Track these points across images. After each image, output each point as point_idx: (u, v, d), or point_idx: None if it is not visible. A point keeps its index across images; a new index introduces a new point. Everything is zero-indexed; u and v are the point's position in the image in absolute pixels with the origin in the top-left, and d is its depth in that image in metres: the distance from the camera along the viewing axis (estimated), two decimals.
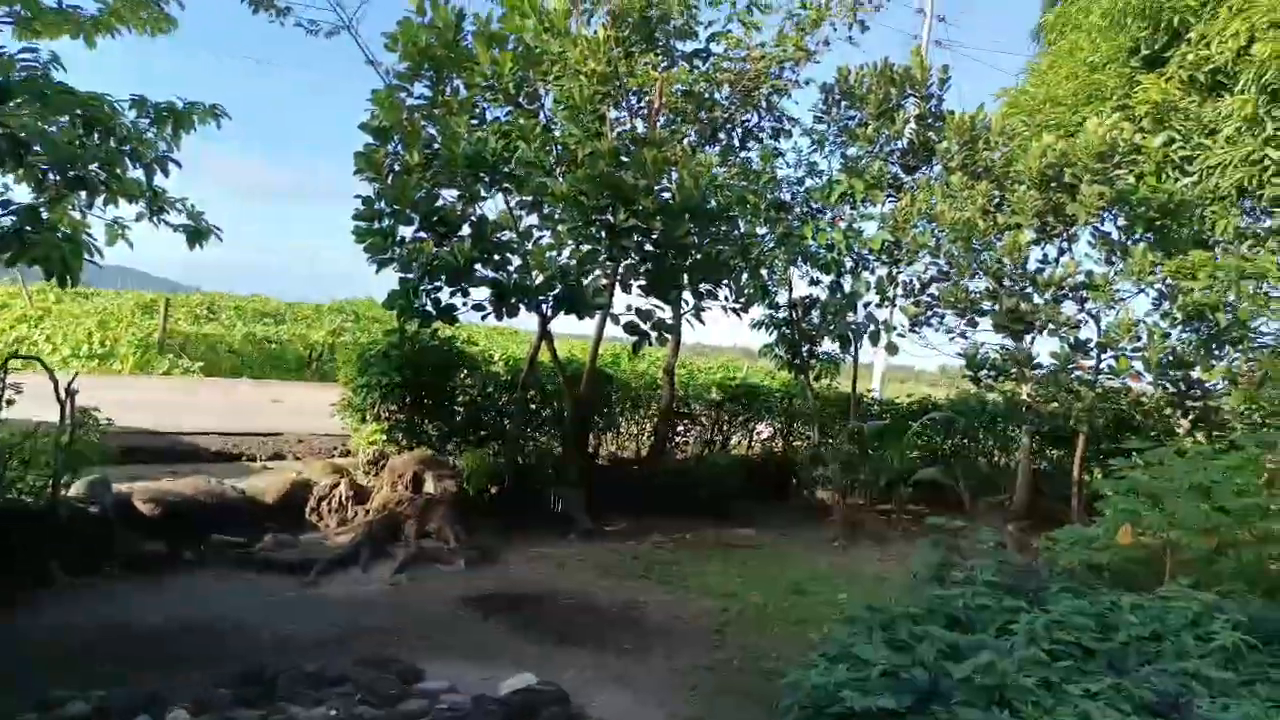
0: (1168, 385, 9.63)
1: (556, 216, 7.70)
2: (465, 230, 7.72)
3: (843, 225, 10.57)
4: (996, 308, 9.88)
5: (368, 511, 8.25)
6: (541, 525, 9.41)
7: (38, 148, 5.36)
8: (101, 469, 6.92)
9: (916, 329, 11.65)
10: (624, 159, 7.74)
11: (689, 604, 7.20)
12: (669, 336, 8.13)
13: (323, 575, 6.99)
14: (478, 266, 7.57)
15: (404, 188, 7.40)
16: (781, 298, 11.81)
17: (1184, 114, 11.53)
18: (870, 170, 10.83)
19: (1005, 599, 6.16)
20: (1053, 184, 10.18)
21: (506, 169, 7.91)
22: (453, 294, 7.76)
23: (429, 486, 8.40)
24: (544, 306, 7.94)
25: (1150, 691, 4.10)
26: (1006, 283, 10.15)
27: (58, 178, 5.68)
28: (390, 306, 7.68)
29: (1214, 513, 7.42)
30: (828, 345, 12.56)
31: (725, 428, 13.44)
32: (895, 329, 11.31)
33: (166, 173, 5.93)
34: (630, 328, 8.10)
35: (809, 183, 11.77)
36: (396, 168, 7.96)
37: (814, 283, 11.49)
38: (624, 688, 5.28)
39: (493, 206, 8.65)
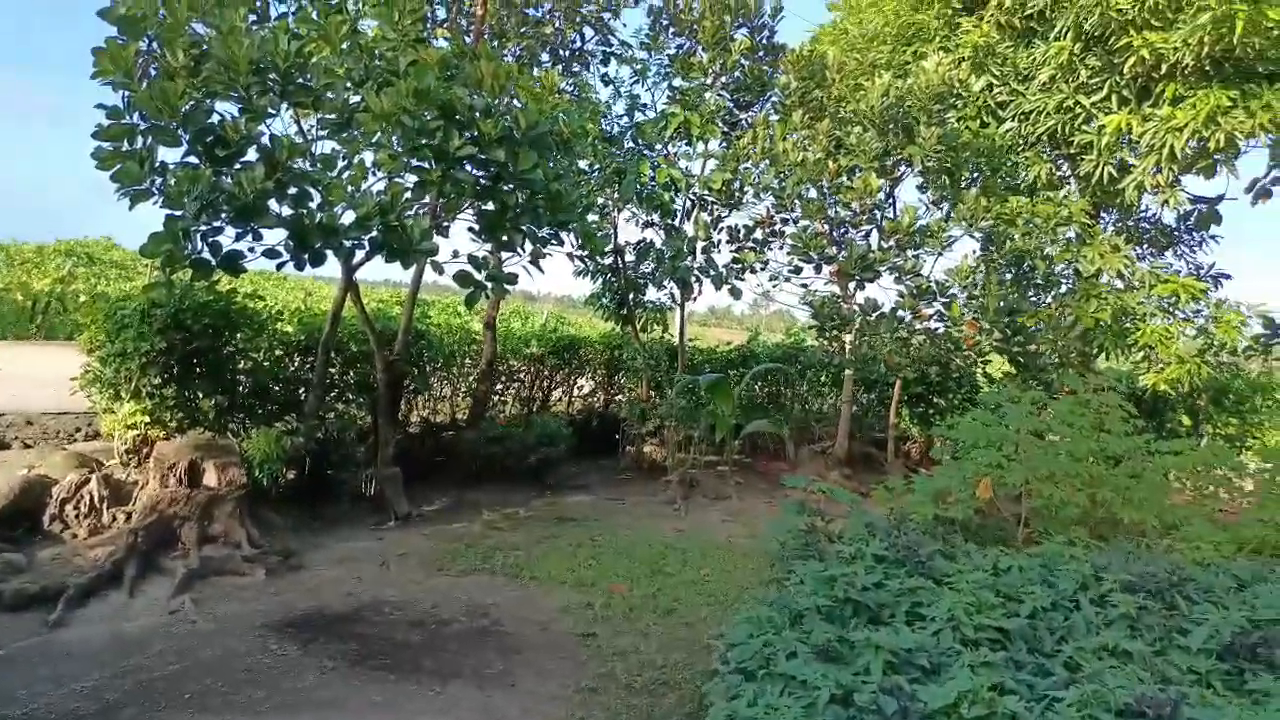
0: (998, 331, 9.65)
1: (374, 141, 6.23)
2: (251, 155, 6.08)
3: (683, 164, 9.71)
4: (845, 254, 9.44)
5: (130, 515, 6.54)
6: (351, 513, 8.06)
7: None
8: None
9: (742, 276, 11.14)
10: (452, 73, 6.38)
11: (544, 601, 6.22)
12: (508, 288, 6.93)
13: (73, 608, 5.34)
14: (271, 202, 5.99)
15: (166, 96, 5.65)
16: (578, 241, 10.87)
17: (1001, 58, 11.58)
18: (706, 104, 10.01)
19: (903, 576, 5.66)
20: (890, 125, 9.84)
21: (302, 79, 6.32)
22: (239, 237, 6.13)
23: (210, 478, 6.79)
24: (357, 252, 6.49)
25: (1126, 694, 3.68)
26: (851, 229, 9.76)
27: None
28: (151, 253, 5.93)
29: (1074, 461, 7.38)
30: (653, 294, 11.85)
31: (546, 384, 12.45)
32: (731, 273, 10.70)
33: None
34: (463, 278, 6.82)
35: (637, 116, 10.79)
36: (153, 72, 6.15)
37: (648, 225, 10.61)
38: None
39: (281, 127, 7.01)
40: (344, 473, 8.07)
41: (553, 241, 7.27)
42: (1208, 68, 9.67)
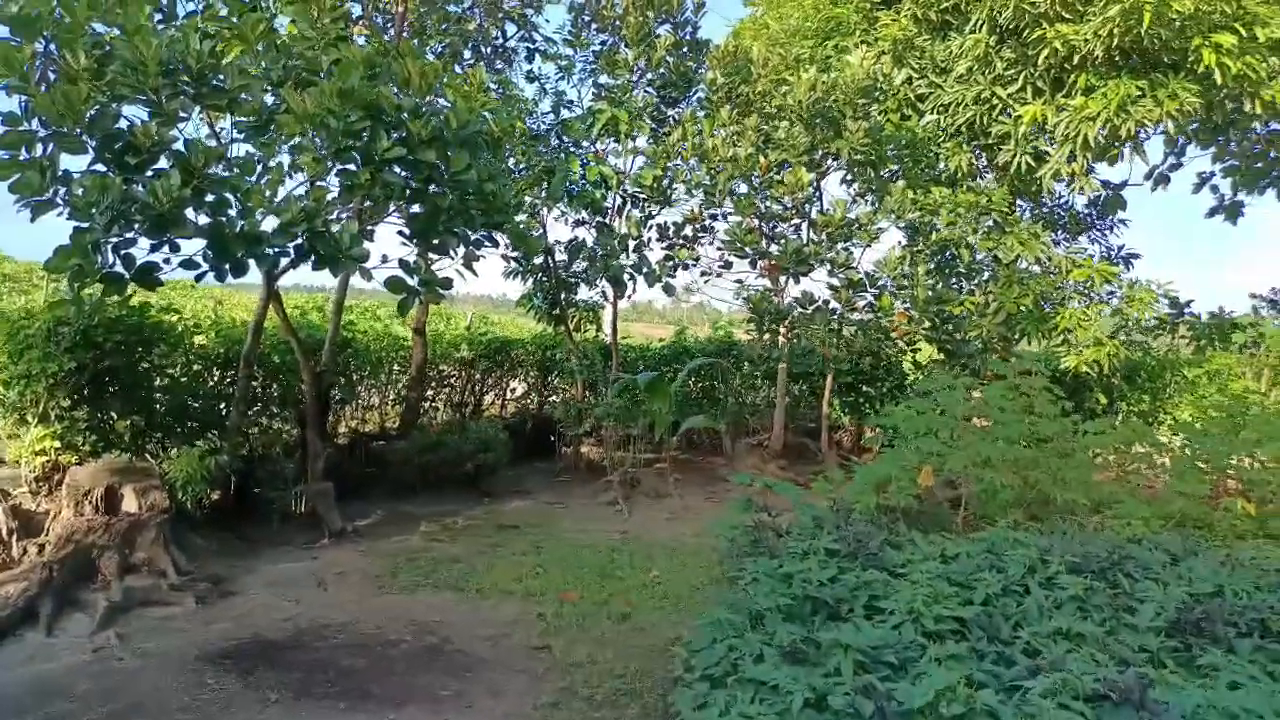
0: (928, 320, 9.82)
1: (295, 143, 5.93)
2: (164, 162, 5.72)
3: (613, 161, 9.60)
4: (780, 249, 9.46)
5: (42, 548, 6.11)
6: (282, 533, 7.73)
7: None
8: None
9: (674, 274, 11.11)
10: (377, 72, 6.12)
11: (493, 614, 6.05)
12: (442, 292, 6.70)
13: None
14: (189, 211, 5.64)
15: (69, 100, 5.26)
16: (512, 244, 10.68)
17: (920, 51, 11.78)
18: (633, 100, 9.91)
19: (857, 569, 5.68)
20: (818, 119, 9.90)
21: (215, 80, 5.98)
22: (154, 248, 5.76)
23: (129, 503, 6.40)
24: (282, 260, 6.18)
25: (1092, 680, 3.71)
26: (781, 224, 9.79)
27: None
28: (58, 269, 5.52)
29: (1009, 445, 7.54)
30: (585, 293, 11.74)
31: (478, 388, 12.21)
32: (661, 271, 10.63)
33: None
34: (395, 284, 6.56)
35: (564, 113, 10.63)
36: (52, 75, 5.75)
37: (579, 224, 10.47)
38: None
39: (193, 131, 6.65)
40: (272, 490, 7.72)
41: (486, 244, 7.06)
42: (1117, 58, 10.02)
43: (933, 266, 10.34)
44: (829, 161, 10.43)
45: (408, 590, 6.50)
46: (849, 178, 10.49)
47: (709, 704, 3.99)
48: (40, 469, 6.69)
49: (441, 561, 7.15)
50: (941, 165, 11.72)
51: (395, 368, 10.90)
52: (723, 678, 4.21)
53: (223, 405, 8.07)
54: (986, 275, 11.11)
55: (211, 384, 8.15)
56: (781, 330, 10.01)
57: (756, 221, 10.48)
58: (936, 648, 4.10)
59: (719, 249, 11.85)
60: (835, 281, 9.68)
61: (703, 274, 11.90)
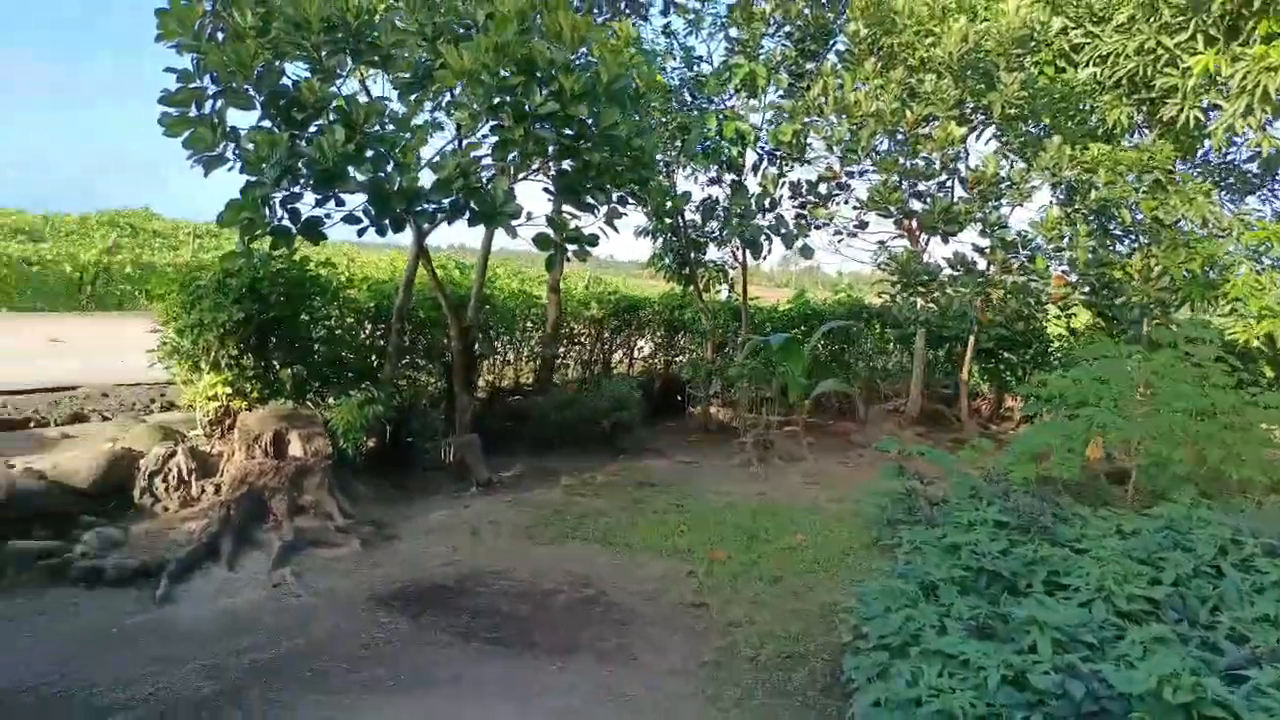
0: (1087, 284, 9.28)
1: (453, 98, 5.98)
2: (326, 120, 5.85)
3: (755, 117, 9.37)
4: (928, 208, 9.08)
5: (219, 488, 6.44)
6: (433, 481, 7.95)
7: None
8: None
9: (808, 234, 10.82)
10: (528, 26, 6.07)
11: (643, 570, 6.06)
12: (589, 250, 6.68)
13: (176, 582, 5.25)
14: (350, 166, 5.76)
15: (240, 57, 5.42)
16: (656, 201, 10.56)
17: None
18: (771, 55, 9.62)
19: (1032, 543, 5.44)
20: (968, 71, 9.40)
21: (374, 36, 6.05)
22: (319, 203, 5.92)
23: (295, 448, 6.68)
24: (438, 216, 6.26)
25: None
26: (925, 182, 9.39)
27: None
28: (230, 222, 5.75)
29: (1186, 418, 7.06)
30: (714, 253, 11.59)
31: (607, 347, 12.26)
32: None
33: None
34: (542, 240, 6.58)
35: (697, 68, 10.42)
36: (220, 34, 5.93)
37: (713, 182, 10.30)
38: (636, 716, 4.07)
39: (349, 88, 6.78)
40: (424, 440, 7.93)
41: (635, 201, 6.99)
42: None
43: (1094, 227, 9.74)
44: (978, 116, 9.91)
45: (557, 542, 6.58)
46: (1000, 133, 9.93)
47: (889, 673, 3.88)
48: (213, 413, 7.03)
49: (587, 515, 7.21)
50: (1095, 120, 10.99)
51: (529, 325, 11.02)
52: (902, 647, 4.09)
53: (373, 357, 8.31)
54: (1146, 238, 10.42)
55: (364, 337, 8.40)
56: (933, 292, 9.64)
57: (898, 179, 10.08)
58: (1139, 630, 3.87)
59: (855, 207, 11.51)
60: (984, 242, 9.24)
61: (835, 234, 11.60)
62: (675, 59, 10.36)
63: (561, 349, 11.36)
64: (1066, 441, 7.22)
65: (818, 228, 10.51)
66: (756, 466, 9.44)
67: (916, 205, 9.37)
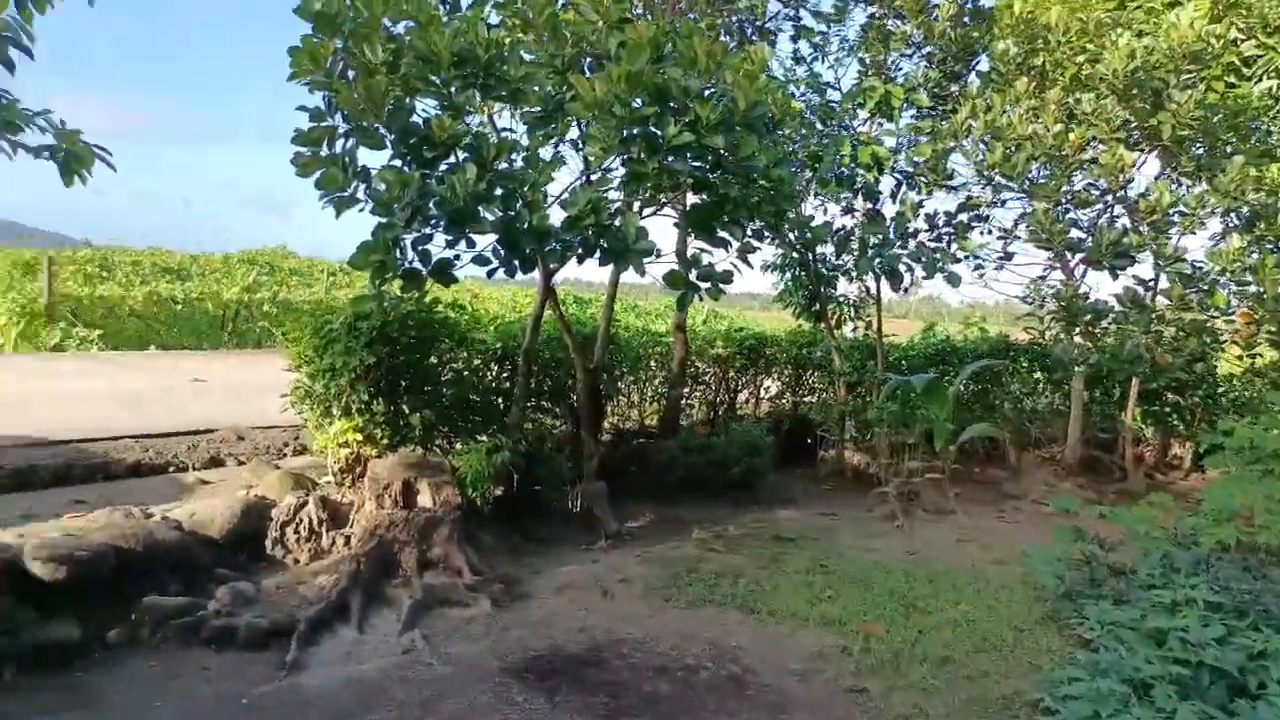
0: (1276, 320, 8.27)
1: (582, 132, 5.71)
2: (457, 157, 5.66)
3: (890, 142, 8.82)
4: (1093, 240, 8.29)
5: (348, 539, 6.28)
6: (560, 532, 7.63)
7: None
8: None
9: (947, 264, 10.11)
10: (662, 54, 5.75)
11: (791, 643, 5.54)
12: (723, 288, 6.27)
13: (305, 646, 5.05)
14: (480, 205, 5.54)
15: (371, 94, 5.27)
16: (793, 233, 10.06)
17: (1245, 7, 10.02)
18: (912, 77, 9.06)
19: (1254, 631, 4.67)
20: (1134, 90, 8.59)
21: (502, 69, 5.83)
22: (450, 243, 5.73)
23: (424, 498, 6.47)
24: (568, 255, 5.98)
25: None
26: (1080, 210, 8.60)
27: None
28: (360, 265, 5.60)
29: None
30: (844, 287, 11.00)
31: (732, 386, 11.79)
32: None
33: (11, 67, 3.78)
34: (674, 278, 6.22)
35: (828, 94, 9.95)
36: (351, 71, 5.83)
37: (847, 210, 9.76)
38: None
39: (475, 123, 6.61)
40: (550, 489, 7.64)
41: (771, 234, 6.55)
42: None
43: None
44: (1141, 137, 9.06)
45: (694, 605, 6.13)
46: (1168, 156, 9.05)
47: None
48: (343, 460, 6.92)
49: (723, 575, 6.73)
50: (1276, 139, 9.93)
51: (653, 364, 10.68)
52: None
53: (498, 399, 8.11)
54: None
55: (490, 379, 8.21)
56: (1089, 332, 8.80)
57: (1047, 206, 9.31)
58: None
59: (999, 237, 10.76)
60: (1148, 275, 8.37)
61: (977, 267, 10.86)
62: (803, 85, 9.92)
63: (685, 389, 10.96)
64: (1273, 501, 6.35)
65: (960, 260, 9.82)
66: (901, 520, 8.76)
67: (1076, 235, 8.58)
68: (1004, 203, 10.36)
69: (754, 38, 10.08)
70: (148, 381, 12.19)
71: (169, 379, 12.56)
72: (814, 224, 9.47)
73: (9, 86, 3.88)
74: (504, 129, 6.84)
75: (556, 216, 5.96)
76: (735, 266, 6.75)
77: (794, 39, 10.24)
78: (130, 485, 7.04)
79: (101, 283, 19.35)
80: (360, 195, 5.86)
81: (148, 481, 7.09)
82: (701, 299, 6.50)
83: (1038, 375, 12.12)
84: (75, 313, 16.86)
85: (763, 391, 12.34)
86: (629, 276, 6.88)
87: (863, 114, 9.45)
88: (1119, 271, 8.20)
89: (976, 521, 8.99)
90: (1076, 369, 9.21)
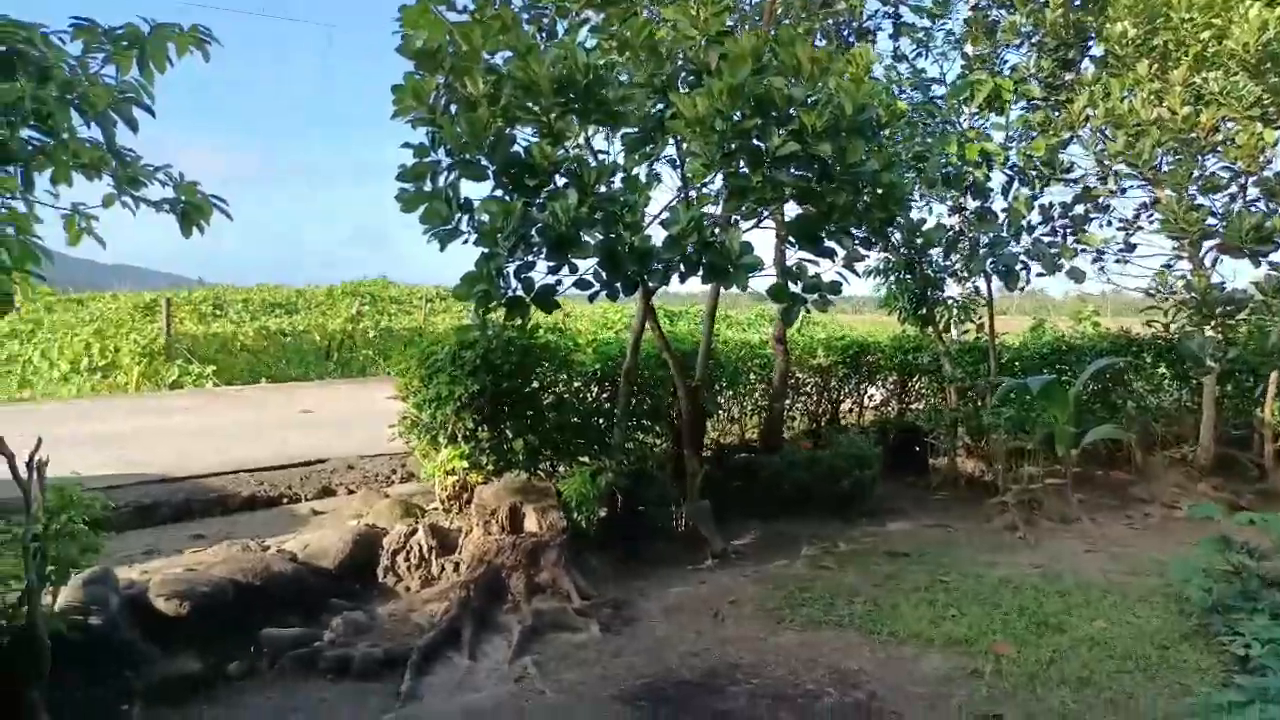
0: None
1: (680, 149, 5.62)
2: (557, 182, 5.64)
3: (999, 136, 8.44)
4: (1228, 226, 7.74)
5: (457, 566, 6.30)
6: (665, 553, 7.48)
7: None
8: (99, 555, 4.94)
9: (1072, 255, 9.62)
10: (763, 64, 5.61)
11: (916, 666, 5.26)
12: (831, 300, 6.06)
13: (419, 675, 5.05)
14: (583, 230, 5.49)
15: (474, 126, 5.29)
16: (903, 237, 9.72)
17: None
18: (1022, 67, 8.66)
19: None
20: (1267, 64, 8.00)
21: (600, 92, 5.78)
22: (553, 269, 5.70)
23: (530, 523, 6.44)
24: (669, 274, 5.89)
25: None
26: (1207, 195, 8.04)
27: None
28: (465, 295, 5.62)
29: None
30: (953, 289, 10.58)
31: (834, 396, 11.47)
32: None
33: (135, 127, 3.89)
34: (777, 292, 6.04)
35: (932, 90, 9.61)
36: (452, 106, 5.87)
37: (956, 210, 9.39)
38: None
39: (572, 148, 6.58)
40: (656, 509, 7.52)
41: (879, 241, 6.31)
42: None
43: None
44: (1276, 114, 8.42)
45: (810, 627, 5.90)
46: None
47: None
48: (450, 488, 6.98)
49: (837, 594, 6.49)
50: None
51: (750, 377, 10.48)
52: None
53: (599, 420, 8.06)
54: None
55: (589, 401, 8.17)
56: (1226, 325, 8.21)
57: (1171, 193, 8.75)
58: None
59: (1120, 228, 10.21)
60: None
61: (1095, 259, 10.32)
62: (905, 84, 9.61)
63: (786, 401, 10.71)
64: None
65: (1079, 254, 9.33)
66: (1022, 530, 8.31)
67: (1211, 223, 8.02)
68: (1124, 191, 9.83)
69: (851, 40, 9.84)
70: (259, 414, 12.65)
71: (279, 411, 13.00)
72: (925, 227, 9.13)
73: (132, 144, 4.02)
74: (600, 151, 6.83)
75: (655, 235, 5.89)
76: (841, 275, 6.53)
77: (894, 37, 9.95)
78: (246, 518, 7.26)
79: (215, 320, 20.30)
80: (464, 227, 5.90)
81: (263, 514, 7.29)
82: (809, 311, 6.29)
83: (1162, 371, 11.40)
84: (191, 350, 17.68)
85: (866, 400, 11.99)
86: (700, 286, 6.80)
87: (969, 109, 9.08)
88: (1260, 258, 7.62)
89: (1103, 529, 8.47)
90: (1211, 363, 8.59)
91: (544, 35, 6.44)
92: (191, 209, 4.18)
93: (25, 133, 3.66)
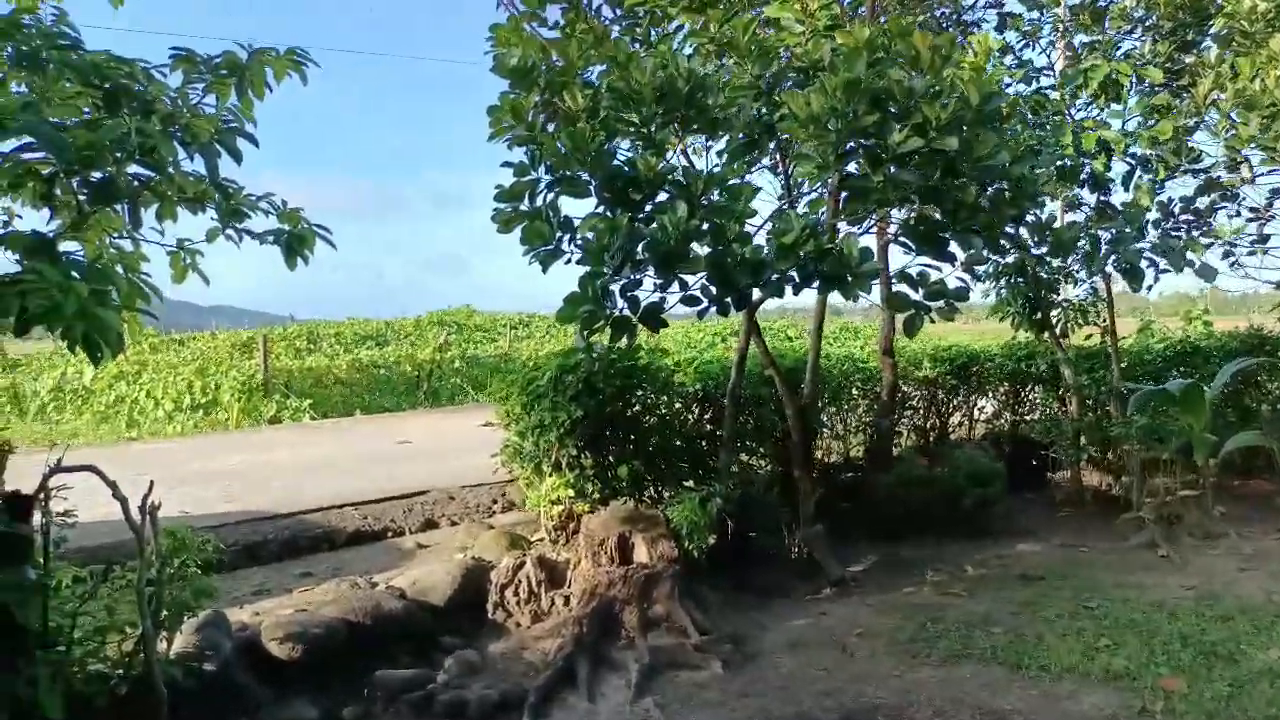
0: None
1: (788, 153, 5.32)
2: (662, 194, 5.39)
3: (1116, 124, 7.90)
4: None
5: (568, 600, 6.05)
6: (779, 581, 7.09)
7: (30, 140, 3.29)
8: (213, 599, 4.83)
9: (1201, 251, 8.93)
10: (879, 56, 5.26)
11: (1073, 705, 4.77)
12: (957, 307, 5.63)
13: (537, 718, 4.79)
14: (692, 243, 5.21)
15: (576, 141, 5.08)
16: (1024, 234, 9.16)
17: None
18: (1138, 51, 8.10)
19: None
20: None
21: (701, 98, 5.51)
22: (661, 286, 5.43)
23: (640, 553, 6.16)
24: (783, 286, 5.56)
25: None
26: None
27: (82, 188, 3.59)
28: (568, 318, 5.39)
29: None
30: (1069, 290, 9.97)
31: (942, 409, 10.91)
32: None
33: (239, 157, 3.77)
34: (897, 300, 5.65)
35: (1037, 83, 9.10)
36: (550, 124, 5.69)
37: (1072, 206, 8.83)
38: None
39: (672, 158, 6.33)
40: (767, 534, 7.16)
41: (1008, 243, 5.87)
42: None
43: None
44: None
45: (949, 662, 5.45)
46: None
47: None
48: (556, 517, 6.74)
49: (972, 624, 6.01)
50: None
51: (854, 391, 10.02)
52: None
53: (701, 443, 7.75)
54: None
55: (691, 423, 7.87)
56: None
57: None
58: None
59: (1250, 219, 9.49)
60: None
61: (1225, 254, 9.63)
62: (1013, 76, 9.11)
63: (894, 416, 10.21)
64: None
65: (1209, 247, 8.67)
66: (1165, 548, 7.66)
67: None
68: (1254, 179, 9.12)
69: (951, 26, 9.42)
70: (357, 446, 12.71)
71: (376, 443, 13.05)
72: (1055, 225, 8.61)
73: (234, 176, 3.91)
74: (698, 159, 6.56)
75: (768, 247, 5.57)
76: (964, 280, 6.09)
77: (998, 29, 9.48)
78: (352, 553, 7.16)
79: (309, 354, 20.71)
80: (565, 247, 5.69)
81: (368, 548, 7.18)
82: (933, 320, 5.88)
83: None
84: (288, 385, 18.03)
85: (976, 412, 11.38)
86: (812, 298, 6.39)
87: (1083, 96, 8.54)
88: None
89: (1254, 544, 7.76)
90: None
91: (638, 44, 6.20)
92: (295, 239, 4.05)
93: (131, 169, 3.58)
